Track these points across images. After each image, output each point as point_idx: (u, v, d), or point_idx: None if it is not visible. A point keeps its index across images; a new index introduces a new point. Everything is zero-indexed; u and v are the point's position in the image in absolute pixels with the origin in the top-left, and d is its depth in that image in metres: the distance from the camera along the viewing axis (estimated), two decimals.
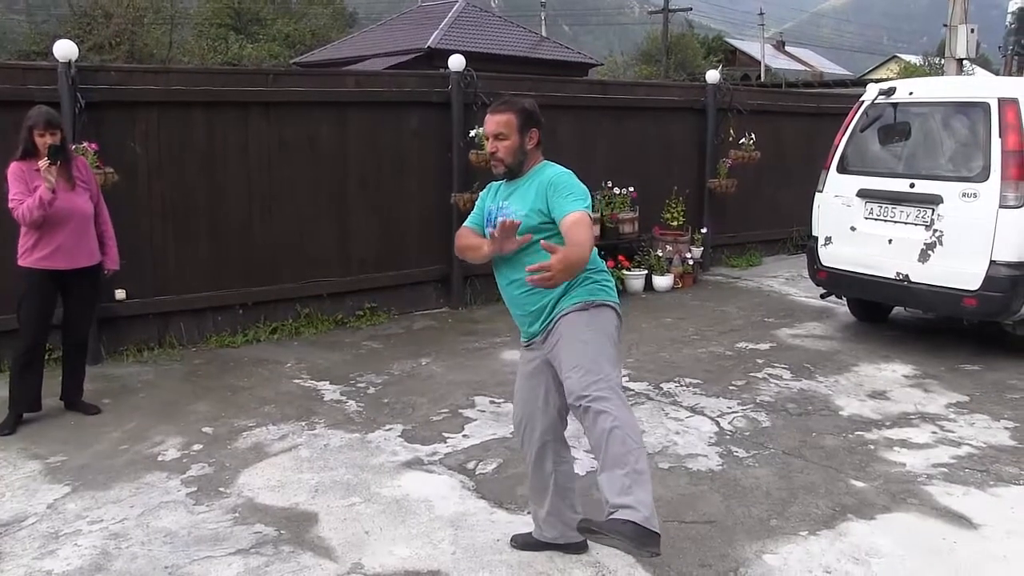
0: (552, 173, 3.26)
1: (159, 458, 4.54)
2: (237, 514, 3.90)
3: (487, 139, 3.37)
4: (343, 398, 5.49)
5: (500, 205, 3.35)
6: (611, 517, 2.81)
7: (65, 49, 5.84)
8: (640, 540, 2.76)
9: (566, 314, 3.21)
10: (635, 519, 2.75)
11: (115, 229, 5.22)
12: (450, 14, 22.14)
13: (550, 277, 2.93)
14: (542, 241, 3.07)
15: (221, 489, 4.16)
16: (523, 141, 3.29)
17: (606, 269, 3.40)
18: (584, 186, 3.28)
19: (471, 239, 3.42)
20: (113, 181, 5.76)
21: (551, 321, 3.25)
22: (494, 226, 3.24)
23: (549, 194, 3.19)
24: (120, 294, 6.28)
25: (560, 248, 2.99)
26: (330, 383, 5.77)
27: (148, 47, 27.33)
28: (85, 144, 5.66)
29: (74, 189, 4.87)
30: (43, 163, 4.64)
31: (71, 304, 5.07)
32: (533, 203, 3.22)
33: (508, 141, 3.28)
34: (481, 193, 3.57)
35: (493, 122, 3.30)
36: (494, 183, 3.52)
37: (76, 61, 5.94)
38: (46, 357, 5.18)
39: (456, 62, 7.65)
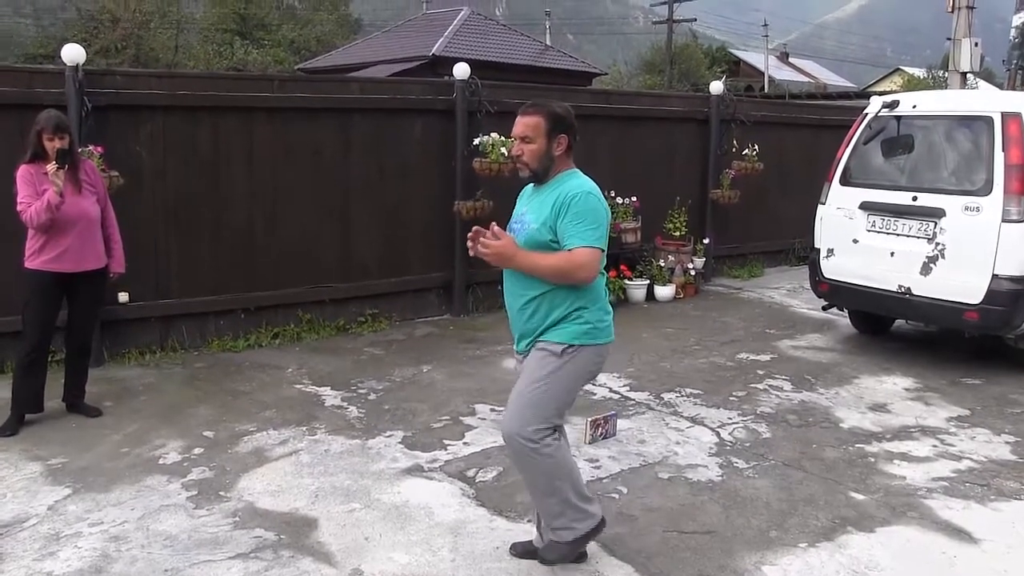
0: (572, 192, 3.15)
1: (160, 461, 4.54)
2: (237, 518, 3.91)
3: (513, 140, 3.29)
4: (344, 404, 5.49)
5: (523, 212, 3.32)
6: (552, 542, 3.38)
7: (73, 53, 5.87)
8: (583, 542, 3.41)
9: (542, 349, 3.25)
10: (568, 538, 3.35)
11: (120, 232, 5.23)
12: (455, 22, 22.24)
13: (484, 253, 3.09)
14: (493, 225, 3.15)
15: (221, 493, 4.17)
16: (550, 146, 3.21)
17: (603, 299, 3.32)
18: (604, 208, 3.19)
19: None
20: (118, 185, 5.78)
21: (533, 347, 3.30)
22: (512, 231, 3.29)
23: (561, 214, 3.12)
24: (123, 297, 6.29)
25: (510, 240, 3.11)
26: (331, 389, 5.78)
27: (154, 51, 27.46)
28: (91, 147, 5.69)
29: (81, 192, 4.89)
30: (51, 167, 4.66)
31: (76, 307, 5.09)
32: (547, 218, 3.16)
33: (534, 145, 3.20)
34: (519, 195, 3.54)
35: (521, 124, 3.23)
36: (527, 186, 3.47)
37: (83, 65, 5.96)
38: (49, 359, 5.20)
39: (460, 70, 7.67)
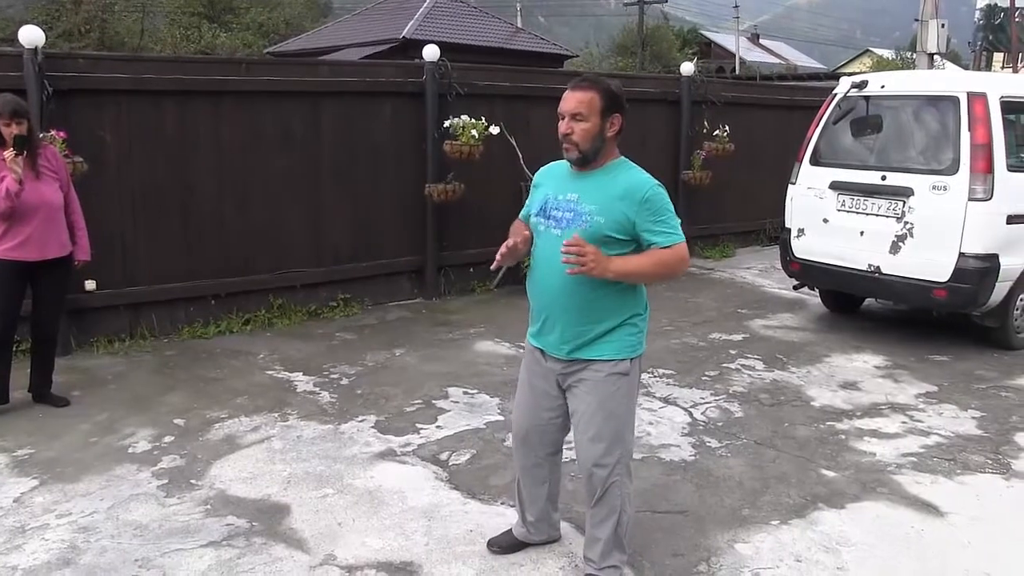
0: (645, 184, 2.92)
1: (130, 450, 4.49)
2: (209, 506, 3.87)
3: (561, 118, 2.95)
4: (316, 389, 5.46)
5: (567, 198, 2.99)
6: None
7: (31, 35, 5.73)
8: None
9: (607, 375, 3.00)
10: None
11: (85, 218, 5.15)
12: (425, 4, 22.02)
13: (583, 263, 2.78)
14: (575, 235, 2.85)
15: (193, 481, 4.13)
16: (603, 126, 2.93)
17: (647, 304, 3.13)
18: None
19: (519, 227, 3.18)
20: (82, 170, 5.68)
21: (585, 359, 3.02)
22: (548, 216, 3.02)
23: (643, 212, 2.88)
24: (90, 285, 6.19)
25: (593, 247, 2.81)
26: (303, 374, 5.73)
27: (119, 35, 26.91)
28: (53, 132, 5.57)
29: (41, 179, 4.78)
30: (9, 154, 4.56)
31: (40, 295, 4.99)
32: (618, 213, 2.90)
33: (587, 123, 2.91)
34: (536, 177, 3.23)
35: (573, 99, 2.93)
36: (551, 165, 3.19)
37: (43, 48, 5.83)
38: (14, 349, 5.11)
39: (430, 52, 7.60)
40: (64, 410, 5.05)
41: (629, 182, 2.94)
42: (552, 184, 3.11)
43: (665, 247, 2.90)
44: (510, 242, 3.03)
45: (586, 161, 2.98)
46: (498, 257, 3.04)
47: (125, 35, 27.32)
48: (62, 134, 5.61)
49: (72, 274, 5.22)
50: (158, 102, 6.43)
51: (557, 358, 3.08)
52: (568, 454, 3.52)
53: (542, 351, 3.14)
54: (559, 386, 3.14)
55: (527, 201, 3.25)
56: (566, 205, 2.99)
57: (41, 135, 5.21)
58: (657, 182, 2.97)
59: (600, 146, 2.96)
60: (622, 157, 3.07)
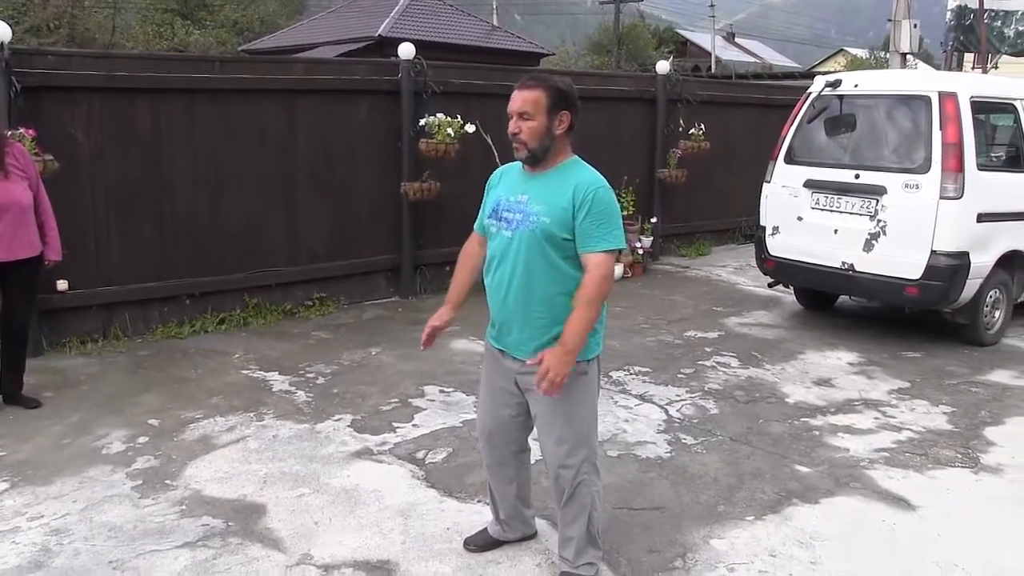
0: (591, 184, 2.90)
1: (103, 451, 4.44)
2: (184, 507, 3.84)
3: (510, 117, 2.95)
4: (292, 389, 5.43)
5: (518, 199, 2.99)
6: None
7: None
8: None
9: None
10: (590, 573, 3.18)
11: (57, 218, 5.08)
12: (401, 2, 21.98)
13: (552, 379, 2.81)
14: (528, 361, 2.94)
15: (168, 482, 4.10)
16: (551, 124, 2.92)
17: (605, 305, 3.04)
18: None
19: (466, 264, 3.27)
20: (52, 169, 5.60)
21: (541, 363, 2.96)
22: (499, 218, 3.01)
23: (583, 212, 2.86)
24: (62, 285, 6.11)
25: (549, 352, 2.84)
26: (279, 374, 5.70)
27: (89, 31, 26.59)
28: (22, 130, 5.49)
29: (9, 178, 4.71)
30: None
31: (10, 296, 4.93)
32: (563, 212, 2.88)
33: (533, 122, 2.90)
34: (491, 178, 3.22)
35: (519, 99, 2.93)
36: (507, 166, 3.18)
37: (10, 43, 5.74)
38: None
39: (406, 50, 7.58)
40: (36, 411, 4.99)
41: (576, 181, 2.92)
42: (505, 185, 3.12)
43: (589, 252, 2.88)
44: (432, 334, 3.29)
45: (536, 160, 2.98)
46: (423, 346, 3.31)
47: (96, 31, 27.00)
48: (31, 132, 5.54)
49: (42, 274, 5.15)
50: (131, 100, 6.36)
51: (516, 358, 3.08)
52: (538, 452, 3.52)
53: (501, 351, 3.15)
54: (518, 386, 3.13)
55: (482, 207, 3.22)
56: (516, 206, 2.99)
57: (9, 133, 5.13)
58: (605, 185, 2.95)
59: (549, 144, 2.95)
60: (575, 156, 3.06)
